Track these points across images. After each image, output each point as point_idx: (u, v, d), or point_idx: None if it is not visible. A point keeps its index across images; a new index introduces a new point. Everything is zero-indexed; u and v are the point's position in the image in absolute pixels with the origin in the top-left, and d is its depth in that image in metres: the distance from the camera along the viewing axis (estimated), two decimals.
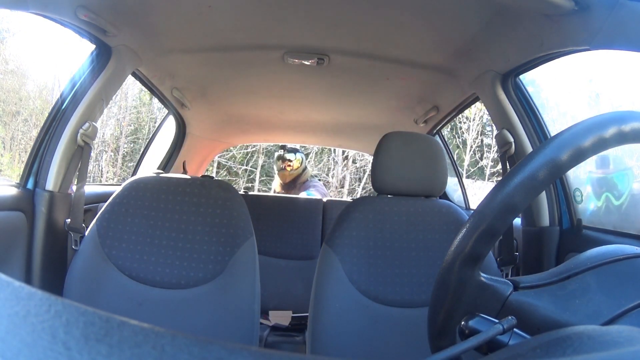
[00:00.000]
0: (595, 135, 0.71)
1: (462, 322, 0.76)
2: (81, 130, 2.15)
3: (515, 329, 0.72)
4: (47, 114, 2.23)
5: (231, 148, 13.56)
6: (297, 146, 4.99)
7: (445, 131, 3.83)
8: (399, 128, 2.42)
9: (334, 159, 14.63)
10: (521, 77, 2.30)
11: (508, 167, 2.38)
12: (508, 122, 2.31)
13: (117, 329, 0.36)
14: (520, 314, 0.74)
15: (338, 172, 14.64)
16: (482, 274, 0.81)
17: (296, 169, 4.72)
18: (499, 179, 1.52)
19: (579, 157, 0.71)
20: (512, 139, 2.29)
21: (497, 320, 0.72)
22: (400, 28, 2.17)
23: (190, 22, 2.21)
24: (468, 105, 3.03)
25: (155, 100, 3.48)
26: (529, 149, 2.26)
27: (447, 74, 2.60)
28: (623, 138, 0.72)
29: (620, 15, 1.44)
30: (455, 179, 3.91)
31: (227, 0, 2.00)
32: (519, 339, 0.73)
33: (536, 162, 0.71)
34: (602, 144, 0.71)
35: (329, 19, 2.15)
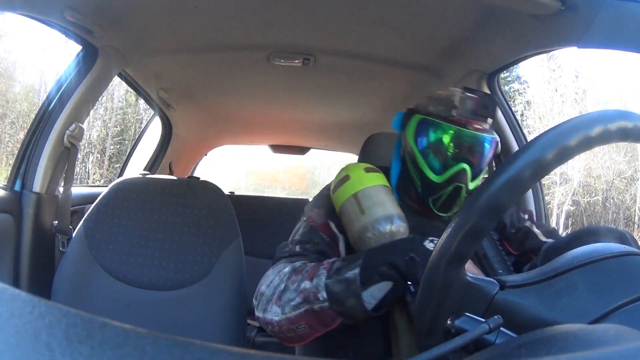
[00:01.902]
0: (580, 134, 0.71)
1: (449, 322, 0.76)
2: (68, 132, 2.14)
3: (501, 328, 0.72)
4: (33, 116, 2.22)
5: None
6: None
7: None
8: (385, 128, 2.41)
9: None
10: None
11: (494, 165, 2.38)
12: (494, 121, 2.32)
13: (99, 330, 0.37)
14: (506, 313, 0.73)
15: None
16: (468, 274, 0.81)
17: None
18: (485, 176, 1.55)
19: (564, 156, 0.70)
20: (498, 138, 2.31)
21: (483, 320, 0.72)
22: (387, 28, 2.17)
23: (176, 23, 2.20)
24: None
25: (142, 102, 3.46)
26: (515, 147, 2.28)
27: (433, 73, 2.60)
28: (609, 136, 0.72)
29: (607, 15, 1.45)
30: None
31: (212, 1, 2.00)
32: (506, 338, 0.73)
33: (521, 162, 0.70)
34: (587, 143, 0.71)
35: (315, 19, 2.15)
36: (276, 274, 1.41)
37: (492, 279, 0.81)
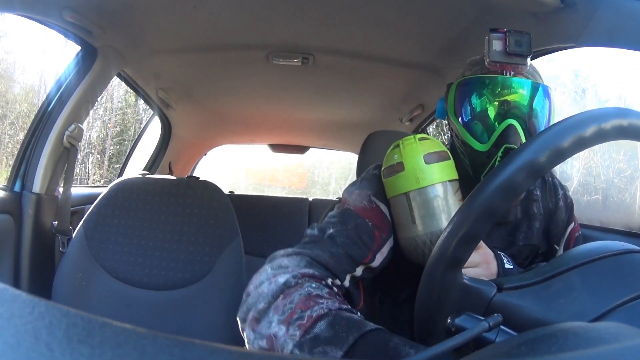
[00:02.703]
0: (574, 134, 0.70)
1: (449, 320, 0.75)
2: (67, 132, 2.14)
3: (501, 326, 0.72)
4: (33, 117, 2.21)
5: None
6: None
7: (431, 128, 3.80)
8: (384, 127, 2.41)
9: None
10: None
11: None
12: None
13: (99, 330, 0.37)
14: (505, 315, 0.72)
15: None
16: (465, 277, 0.81)
17: None
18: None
19: (557, 157, 0.70)
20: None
21: (483, 318, 0.72)
22: (386, 27, 2.17)
23: (175, 23, 2.20)
24: None
25: (141, 102, 3.45)
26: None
27: (432, 72, 2.60)
28: (604, 136, 0.72)
29: (606, 13, 1.45)
30: None
31: (211, 0, 2.00)
32: (506, 336, 0.72)
33: (514, 166, 0.71)
34: (582, 143, 0.71)
35: (314, 19, 2.15)
36: (270, 277, 1.10)
37: (489, 282, 0.81)
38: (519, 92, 1.30)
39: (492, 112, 1.30)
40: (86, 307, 1.96)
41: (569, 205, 1.53)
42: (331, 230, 1.25)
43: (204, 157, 4.84)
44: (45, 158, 2.11)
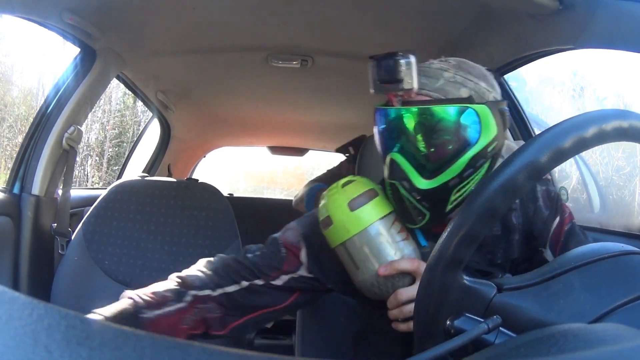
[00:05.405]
0: (575, 135, 0.70)
1: (448, 322, 0.76)
2: (66, 135, 2.14)
3: (501, 328, 0.72)
4: (32, 120, 2.21)
5: None
6: None
7: None
8: None
9: None
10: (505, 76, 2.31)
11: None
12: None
13: (98, 332, 0.37)
14: (504, 316, 0.72)
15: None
16: (465, 277, 0.81)
17: None
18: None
19: (559, 158, 0.70)
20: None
21: (482, 320, 0.72)
22: (384, 28, 2.17)
23: (174, 25, 2.20)
24: None
25: (139, 103, 3.46)
26: (514, 148, 2.27)
27: None
28: (604, 137, 0.72)
29: (604, 15, 1.45)
30: None
31: (210, 2, 1.99)
32: (505, 337, 0.72)
33: (515, 165, 0.70)
34: (582, 144, 0.71)
35: (312, 21, 2.15)
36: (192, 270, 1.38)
37: (489, 282, 0.81)
38: (402, 122, 1.18)
39: (381, 146, 1.23)
40: (85, 309, 1.94)
41: (553, 198, 1.40)
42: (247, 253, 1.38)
43: (203, 159, 4.84)
44: (44, 160, 2.10)
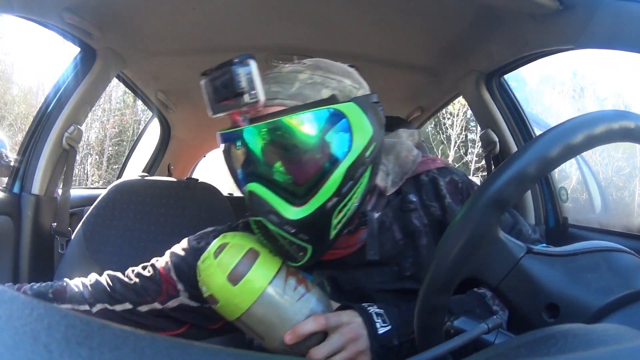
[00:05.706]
0: (585, 132, 0.70)
1: (448, 322, 0.76)
2: (66, 134, 2.14)
3: (500, 329, 0.72)
4: (32, 118, 2.21)
5: None
6: None
7: (429, 127, 3.82)
8: None
9: None
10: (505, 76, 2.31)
11: (493, 166, 2.38)
12: (492, 122, 2.32)
13: (98, 331, 0.37)
14: (529, 280, 0.73)
15: None
16: (501, 231, 0.77)
17: None
18: (484, 174, 1.46)
19: (568, 153, 0.70)
20: (496, 139, 2.30)
21: (482, 320, 0.72)
22: (384, 29, 2.17)
23: (174, 25, 2.20)
24: (450, 102, 3.07)
25: (139, 102, 3.46)
26: (514, 148, 2.27)
27: (431, 74, 2.60)
28: (612, 136, 0.72)
29: (605, 15, 1.45)
30: None
31: (211, 2, 1.99)
32: (505, 338, 0.73)
33: (527, 157, 0.70)
34: (591, 141, 0.71)
35: (313, 21, 2.15)
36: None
37: (520, 243, 0.79)
38: (252, 144, 1.00)
39: (234, 178, 1.09)
40: None
41: (462, 190, 1.23)
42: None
43: (203, 159, 4.83)
44: (44, 159, 2.10)
